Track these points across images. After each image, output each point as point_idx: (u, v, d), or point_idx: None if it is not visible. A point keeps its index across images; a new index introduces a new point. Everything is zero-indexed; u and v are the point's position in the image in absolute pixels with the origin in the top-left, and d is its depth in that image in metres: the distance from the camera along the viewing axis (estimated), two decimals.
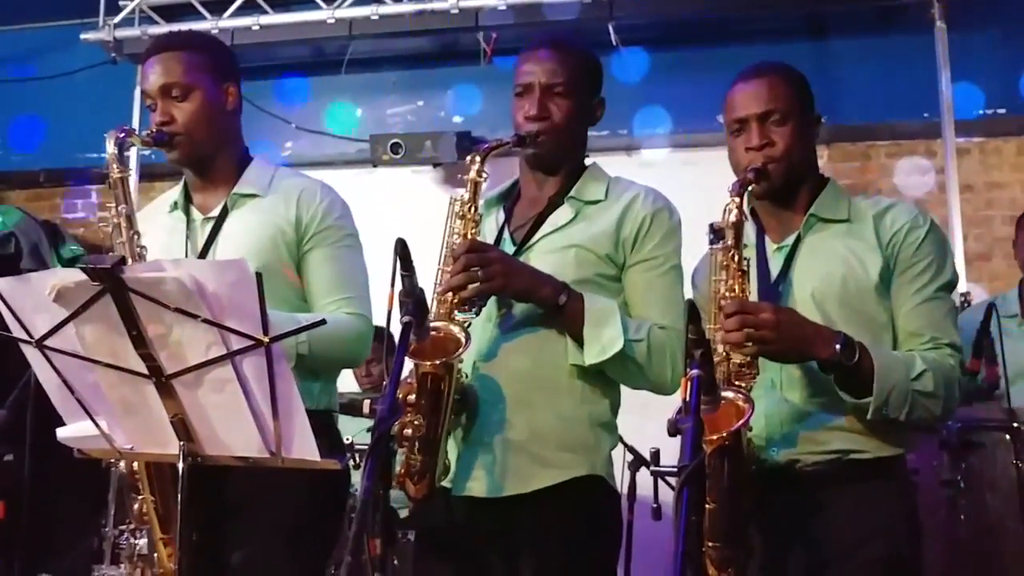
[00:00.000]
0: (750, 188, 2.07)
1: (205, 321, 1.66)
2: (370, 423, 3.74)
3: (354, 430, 3.79)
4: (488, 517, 2.11)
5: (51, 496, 3.54)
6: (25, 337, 1.81)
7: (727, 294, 2.00)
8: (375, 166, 5.06)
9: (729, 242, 2.01)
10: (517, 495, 2.10)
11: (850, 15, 4.82)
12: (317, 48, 5.22)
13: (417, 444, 2.02)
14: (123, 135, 2.18)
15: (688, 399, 1.70)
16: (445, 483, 2.12)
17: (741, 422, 1.86)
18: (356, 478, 3.10)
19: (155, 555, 2.26)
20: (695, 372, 1.72)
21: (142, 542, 3.90)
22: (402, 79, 5.27)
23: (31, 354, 1.85)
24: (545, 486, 2.10)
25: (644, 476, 3.76)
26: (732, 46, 4.81)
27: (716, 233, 2.04)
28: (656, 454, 1.89)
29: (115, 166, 2.18)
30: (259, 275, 1.63)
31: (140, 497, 2.21)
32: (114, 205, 2.18)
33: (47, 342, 1.80)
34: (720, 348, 1.96)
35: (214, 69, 2.30)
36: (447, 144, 4.90)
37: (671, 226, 2.23)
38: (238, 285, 1.64)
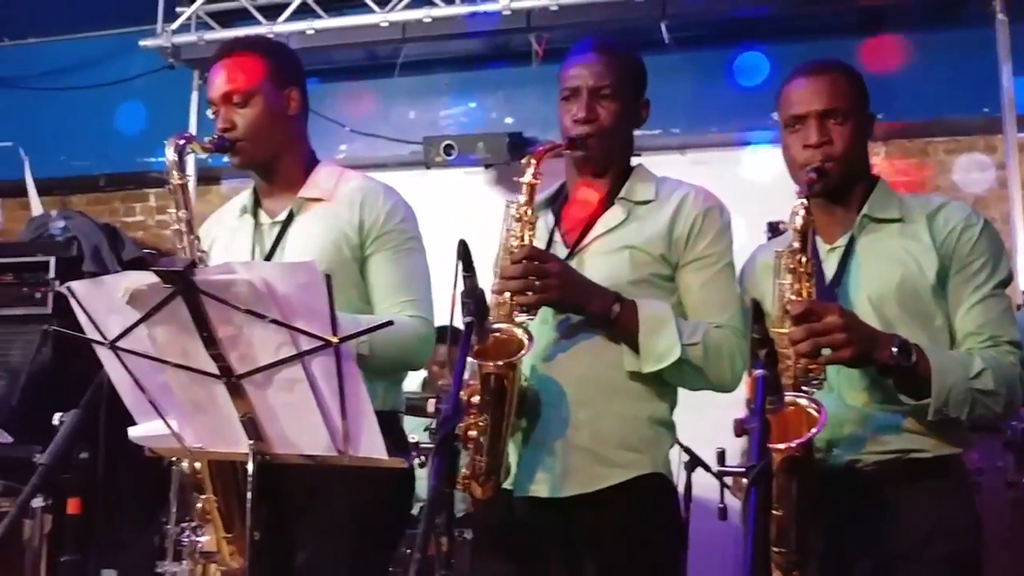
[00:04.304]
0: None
1: (275, 322, 1.68)
2: (427, 422, 3.78)
3: (412, 429, 3.82)
4: (550, 517, 2.12)
5: (114, 493, 3.61)
6: (99, 338, 1.84)
7: (793, 297, 1.99)
8: (428, 168, 5.08)
9: (796, 245, 1.99)
10: (579, 495, 2.10)
11: (906, 9, 4.74)
12: (370, 51, 5.27)
13: (482, 445, 2.03)
14: (182, 142, 2.21)
15: (754, 400, 1.70)
16: (506, 485, 2.13)
17: (813, 431, 1.84)
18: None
19: (218, 553, 2.30)
20: (760, 372, 1.71)
21: (204, 539, 4.00)
22: (454, 81, 5.29)
23: (104, 355, 1.89)
24: (607, 485, 2.10)
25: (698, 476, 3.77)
26: (783, 43, 4.77)
27: (774, 231, 2.03)
28: (722, 454, 1.89)
29: (175, 173, 2.20)
30: (328, 277, 1.66)
31: (204, 496, 2.24)
32: (175, 211, 2.22)
33: (120, 343, 1.83)
34: (787, 353, 1.95)
35: (276, 74, 2.32)
36: (499, 145, 4.91)
37: (722, 224, 2.22)
38: (308, 287, 1.67)
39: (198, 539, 3.99)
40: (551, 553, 2.14)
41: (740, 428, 1.71)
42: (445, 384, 4.47)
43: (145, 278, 1.72)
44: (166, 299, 1.72)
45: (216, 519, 2.22)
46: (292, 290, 1.67)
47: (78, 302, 1.82)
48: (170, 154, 2.20)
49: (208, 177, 5.39)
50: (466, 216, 4.69)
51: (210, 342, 1.75)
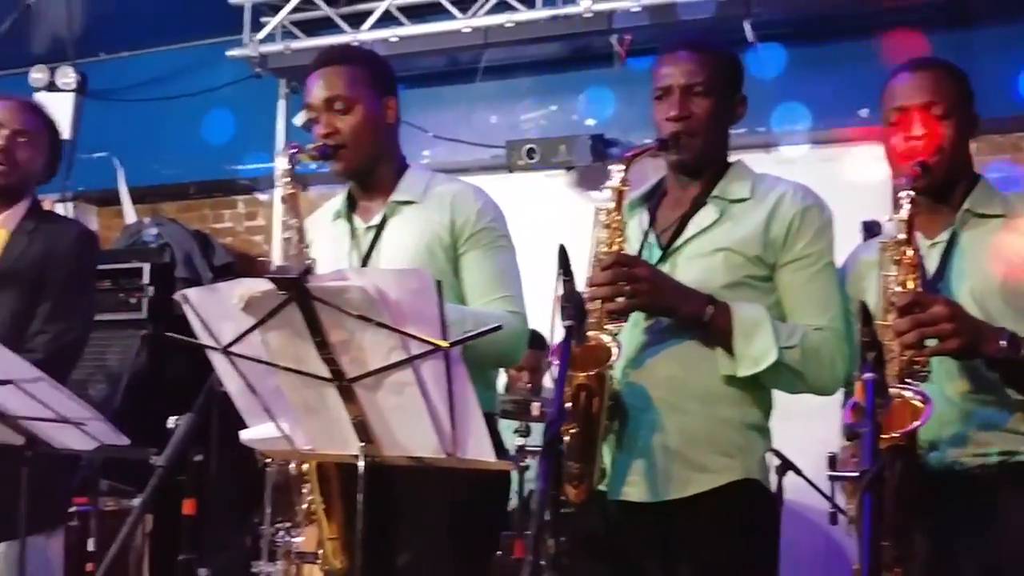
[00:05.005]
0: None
1: (386, 327, 1.71)
2: (515, 424, 3.80)
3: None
4: (644, 521, 2.12)
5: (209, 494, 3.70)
6: (213, 344, 1.90)
7: (897, 289, 1.97)
8: (510, 171, 5.10)
9: (901, 236, 1.99)
10: (672, 500, 2.10)
11: (995, 1, 4.64)
12: (452, 57, 5.30)
13: (575, 450, 2.05)
14: (293, 151, 2.27)
15: (864, 403, 1.68)
16: (601, 488, 2.13)
17: (919, 422, 1.83)
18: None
19: (320, 552, 2.35)
20: (869, 376, 1.70)
21: (299, 540, 4.07)
22: (536, 84, 5.30)
23: (217, 360, 1.94)
24: (701, 491, 2.10)
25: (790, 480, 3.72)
26: (871, 39, 4.69)
27: (869, 230, 2.02)
28: (832, 459, 1.88)
29: (287, 182, 2.26)
30: (439, 283, 1.69)
31: (309, 497, 2.29)
32: (286, 218, 2.27)
33: (233, 348, 1.88)
34: (892, 345, 1.93)
35: (375, 83, 2.37)
36: (581, 147, 4.91)
37: (822, 222, 2.19)
38: (419, 292, 1.70)
39: (293, 540, 4.10)
40: (645, 557, 2.15)
41: (850, 432, 1.71)
42: (522, 386, 4.51)
43: (260, 285, 1.76)
44: (280, 305, 1.75)
45: (321, 519, 2.26)
46: (404, 295, 1.70)
47: (192, 308, 1.87)
48: (282, 163, 2.26)
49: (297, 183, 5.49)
50: (549, 218, 4.71)
51: (323, 346, 1.79)
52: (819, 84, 4.72)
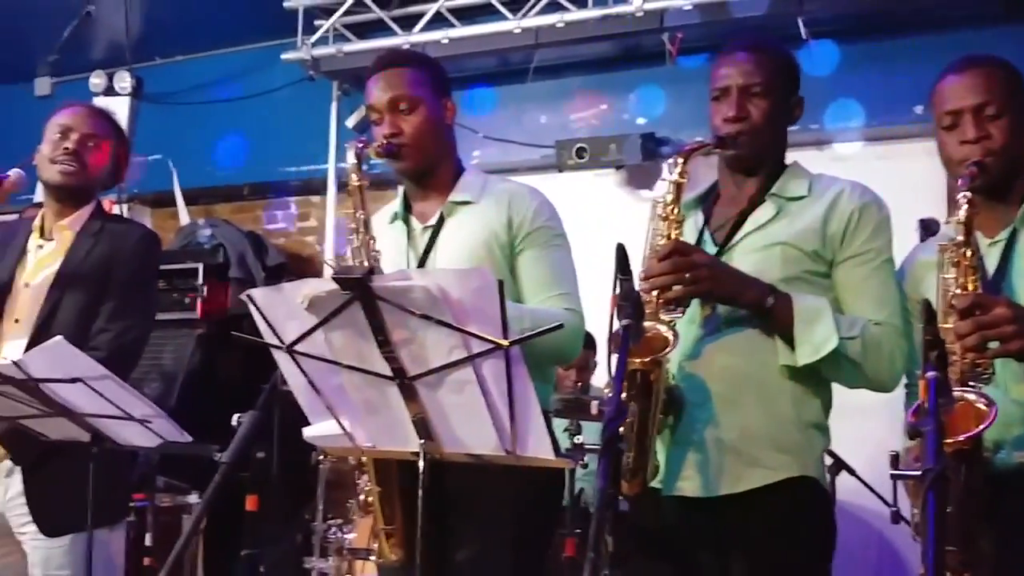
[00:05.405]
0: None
1: (448, 326, 1.73)
2: (565, 423, 3.81)
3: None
4: (699, 517, 2.12)
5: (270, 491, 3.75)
6: (277, 343, 1.93)
7: (957, 291, 1.95)
8: (560, 171, 5.11)
9: (959, 238, 1.97)
10: (728, 495, 2.10)
11: None
12: (503, 58, 5.31)
13: (629, 440, 2.04)
14: (361, 147, 2.32)
15: (927, 402, 1.67)
16: (655, 484, 2.13)
17: (984, 426, 1.81)
18: None
19: (375, 545, 2.37)
20: (932, 375, 1.69)
21: (351, 536, 4.12)
22: (586, 84, 5.29)
23: (281, 358, 1.96)
24: (756, 486, 2.09)
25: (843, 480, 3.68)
26: (926, 34, 4.63)
27: (927, 229, 2.00)
28: (895, 457, 1.87)
29: (354, 176, 2.32)
30: (501, 283, 1.70)
31: (367, 488, 2.32)
32: (352, 211, 2.31)
33: (296, 347, 1.91)
34: (953, 348, 1.91)
35: (435, 84, 2.41)
36: (632, 146, 4.90)
37: (880, 219, 2.19)
38: (480, 291, 1.71)
39: (345, 536, 4.15)
40: (700, 553, 2.14)
41: (913, 431, 1.69)
42: (570, 384, 4.51)
43: (325, 285, 1.79)
44: (344, 304, 1.78)
45: (377, 511, 2.29)
46: (466, 294, 1.72)
47: (257, 308, 1.90)
48: (350, 158, 2.31)
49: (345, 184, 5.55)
50: (598, 218, 4.71)
51: (385, 345, 1.81)
52: (873, 81, 4.67)
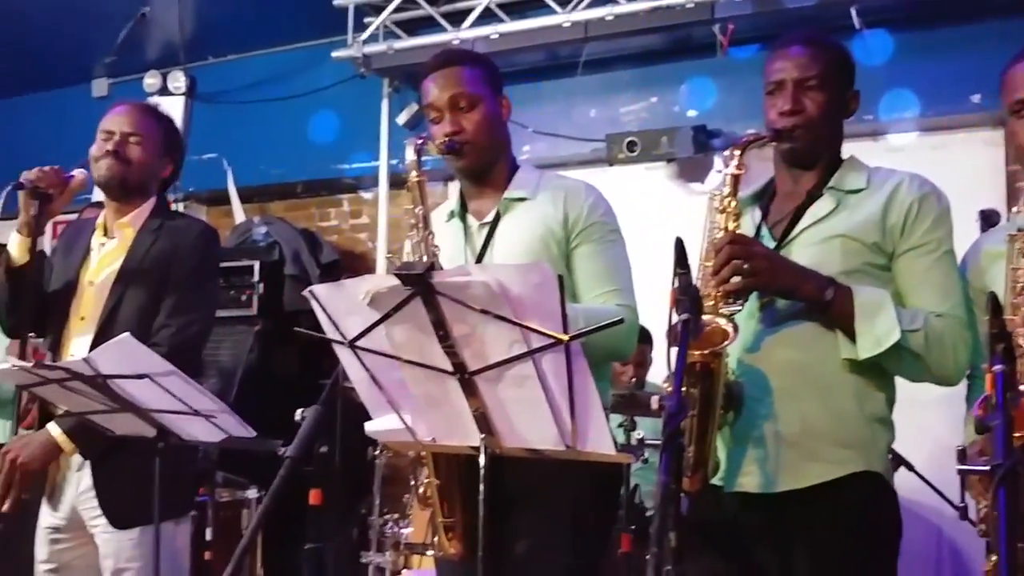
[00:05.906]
0: None
1: (509, 321, 1.74)
2: (620, 418, 3.81)
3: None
4: (760, 513, 2.11)
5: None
6: (339, 338, 1.96)
7: None
8: (610, 165, 5.09)
9: None
10: (790, 491, 2.09)
11: None
12: (552, 52, 5.31)
13: (690, 434, 2.04)
14: (420, 143, 2.34)
15: (994, 396, 1.65)
16: (716, 481, 2.13)
17: None
18: None
19: (434, 539, 2.39)
20: (999, 367, 1.67)
21: (408, 531, 4.15)
22: (636, 76, 5.27)
23: (343, 354, 1.99)
24: (818, 482, 2.08)
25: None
26: (981, 22, 4.55)
27: (987, 220, 1.97)
28: (962, 452, 1.84)
29: (413, 172, 2.33)
30: (560, 277, 1.71)
31: (426, 480, 2.34)
32: (412, 207, 2.33)
33: (358, 342, 1.93)
34: (1020, 341, 1.89)
35: (491, 82, 2.44)
36: (683, 139, 4.87)
37: (940, 210, 2.17)
38: (540, 287, 1.72)
39: (402, 531, 4.18)
40: (762, 549, 2.13)
41: (981, 425, 1.67)
42: (626, 380, 4.50)
43: (386, 281, 1.81)
44: (405, 300, 1.80)
45: (436, 504, 2.31)
46: (526, 290, 1.73)
47: (320, 304, 1.93)
48: (410, 154, 2.33)
49: (400, 182, 5.59)
50: (650, 212, 4.70)
51: (445, 340, 1.83)
52: (928, 70, 4.60)
